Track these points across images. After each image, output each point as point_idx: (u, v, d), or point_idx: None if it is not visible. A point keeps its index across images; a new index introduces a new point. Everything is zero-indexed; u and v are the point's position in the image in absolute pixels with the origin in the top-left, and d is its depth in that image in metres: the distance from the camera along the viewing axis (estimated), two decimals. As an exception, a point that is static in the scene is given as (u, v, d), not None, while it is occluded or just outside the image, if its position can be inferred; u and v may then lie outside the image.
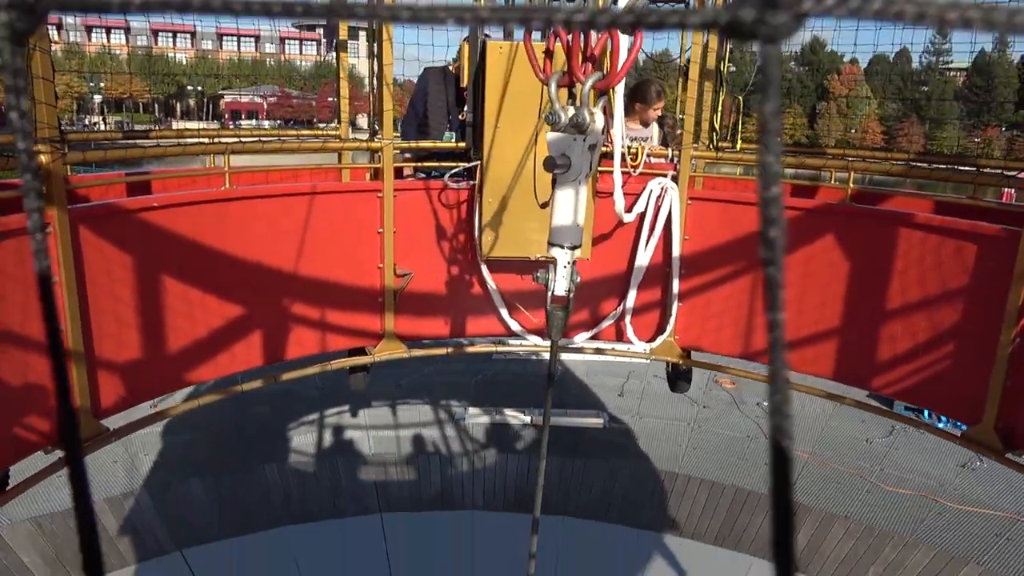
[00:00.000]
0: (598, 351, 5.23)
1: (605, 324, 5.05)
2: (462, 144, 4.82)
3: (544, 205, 3.42)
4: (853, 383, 4.69)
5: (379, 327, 4.77)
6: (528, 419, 10.49)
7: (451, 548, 8.90)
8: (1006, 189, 7.18)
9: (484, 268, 4.82)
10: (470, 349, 5.31)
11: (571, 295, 3.39)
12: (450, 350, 5.07)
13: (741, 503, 9.19)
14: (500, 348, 5.20)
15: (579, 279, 3.38)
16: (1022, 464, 4.00)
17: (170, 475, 8.74)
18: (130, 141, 5.08)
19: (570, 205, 3.21)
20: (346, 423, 10.11)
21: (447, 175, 4.69)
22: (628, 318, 4.97)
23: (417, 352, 4.90)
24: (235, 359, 4.27)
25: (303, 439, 9.84)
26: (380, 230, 4.66)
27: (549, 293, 3.38)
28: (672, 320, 4.92)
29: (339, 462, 9.60)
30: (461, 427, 10.35)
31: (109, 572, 7.58)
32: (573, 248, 3.31)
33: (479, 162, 4.57)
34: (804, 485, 9.21)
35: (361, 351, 4.76)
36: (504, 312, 4.92)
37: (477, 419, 10.44)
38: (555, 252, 3.32)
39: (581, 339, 5.00)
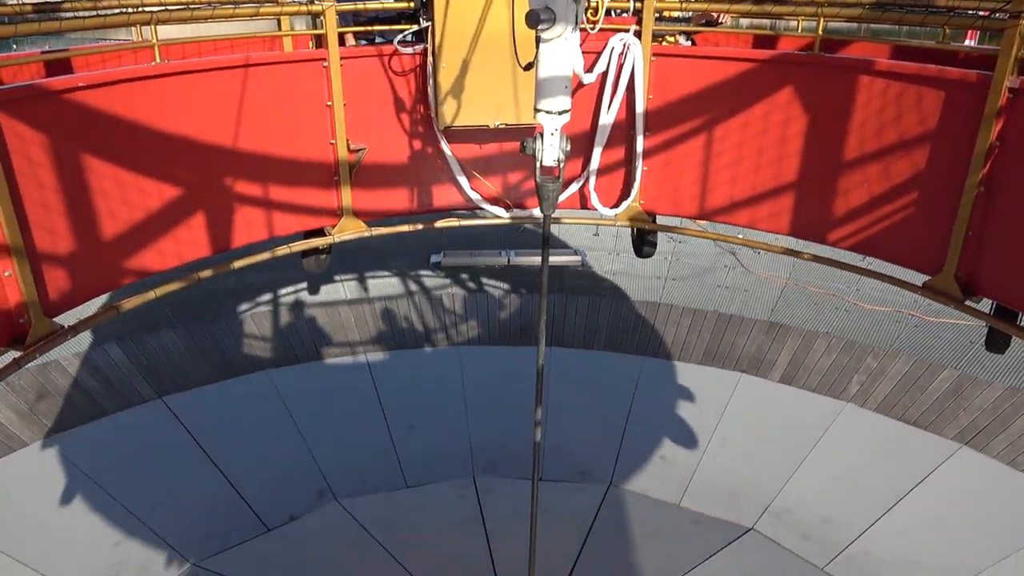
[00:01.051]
0: (555, 220, 5.12)
1: (569, 192, 4.92)
2: (411, 3, 4.44)
3: (528, 67, 3.13)
4: (811, 238, 4.66)
5: (336, 206, 4.60)
6: (505, 260, 10.61)
7: (441, 381, 9.28)
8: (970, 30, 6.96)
9: (442, 139, 4.61)
10: (433, 224, 5.16)
11: (562, 164, 3.17)
12: (414, 226, 4.93)
13: (724, 325, 9.61)
14: (464, 223, 5.08)
15: (569, 147, 3.17)
16: (980, 311, 4.09)
17: (139, 329, 8.70)
18: (43, 14, 4.59)
19: (556, 65, 2.95)
20: (318, 276, 10.08)
21: (396, 39, 4.35)
22: (592, 184, 4.85)
23: (378, 230, 4.75)
24: (183, 248, 4.10)
25: (275, 293, 9.80)
26: (329, 103, 4.38)
27: (538, 164, 3.16)
28: (636, 184, 4.81)
29: (316, 311, 9.65)
30: (438, 271, 10.41)
31: (90, 422, 7.76)
32: (561, 113, 3.06)
33: (430, 24, 4.23)
34: (784, 308, 9.64)
35: (320, 232, 4.61)
36: (465, 184, 4.76)
37: (453, 262, 10.50)
38: (542, 119, 3.07)
39: (544, 209, 4.88)
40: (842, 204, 4.34)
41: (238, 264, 4.45)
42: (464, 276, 10.45)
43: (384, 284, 10.17)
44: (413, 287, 10.21)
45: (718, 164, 4.66)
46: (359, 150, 4.51)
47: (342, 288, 9.98)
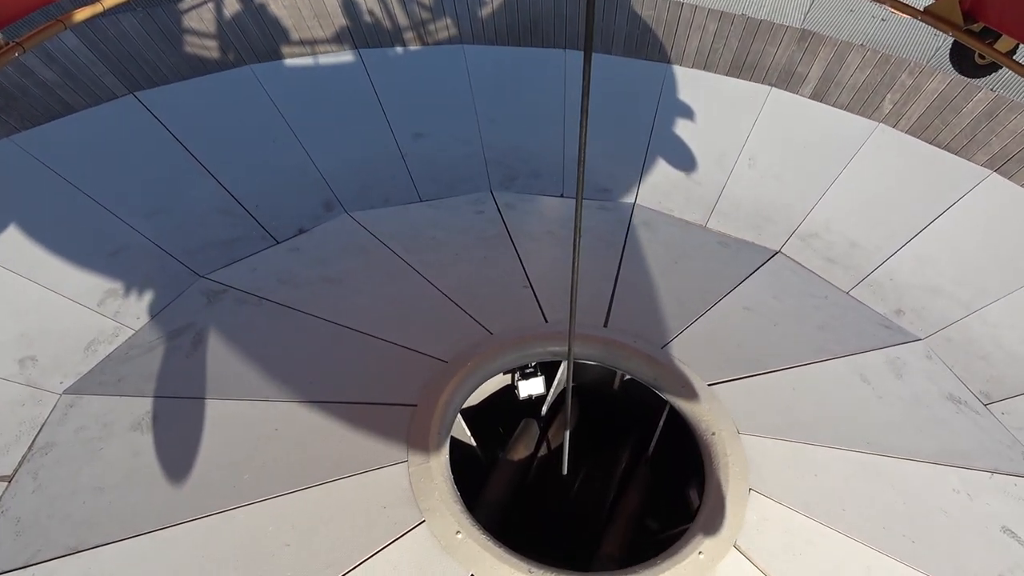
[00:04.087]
0: None
1: None
2: None
3: None
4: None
5: None
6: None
7: (445, 84, 8.66)
8: None
9: None
10: None
11: None
12: None
13: (754, 32, 9.23)
14: None
15: None
16: (977, 35, 3.84)
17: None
18: None
19: None
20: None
21: None
22: None
23: None
24: None
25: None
26: None
27: None
28: None
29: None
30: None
31: (57, 119, 6.84)
32: None
33: None
34: (816, 15, 9.22)
35: None
36: None
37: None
38: None
39: None
40: None
41: None
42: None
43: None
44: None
45: None
46: None
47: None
